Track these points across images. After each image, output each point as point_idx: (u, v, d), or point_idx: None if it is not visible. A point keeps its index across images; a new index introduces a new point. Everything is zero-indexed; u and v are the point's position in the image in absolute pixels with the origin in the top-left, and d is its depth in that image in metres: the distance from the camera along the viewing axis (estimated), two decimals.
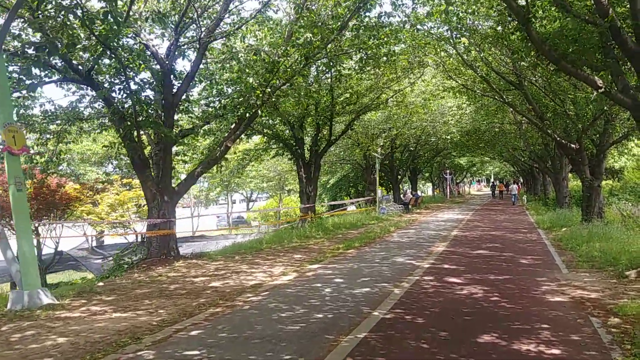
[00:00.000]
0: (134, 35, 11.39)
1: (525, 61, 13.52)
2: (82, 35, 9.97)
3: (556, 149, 22.51)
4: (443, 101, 24.12)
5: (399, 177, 34.53)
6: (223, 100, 13.27)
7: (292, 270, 9.95)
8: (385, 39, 13.45)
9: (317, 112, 18.54)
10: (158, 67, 11.67)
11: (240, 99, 12.34)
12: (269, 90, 11.97)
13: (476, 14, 13.41)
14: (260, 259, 11.63)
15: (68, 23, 8.82)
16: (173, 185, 12.32)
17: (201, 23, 12.08)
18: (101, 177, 22.95)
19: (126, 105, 11.34)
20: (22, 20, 9.83)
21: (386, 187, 37.24)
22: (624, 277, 8.39)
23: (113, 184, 20.39)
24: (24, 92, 10.93)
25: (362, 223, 20.84)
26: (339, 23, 12.18)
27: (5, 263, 7.92)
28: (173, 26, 11.77)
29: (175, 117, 12.99)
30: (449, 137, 28.53)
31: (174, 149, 14.64)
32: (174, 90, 11.94)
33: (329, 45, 12.98)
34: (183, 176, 15.05)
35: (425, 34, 15.13)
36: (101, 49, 10.03)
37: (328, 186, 42.22)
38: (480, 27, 14.74)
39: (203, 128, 14.81)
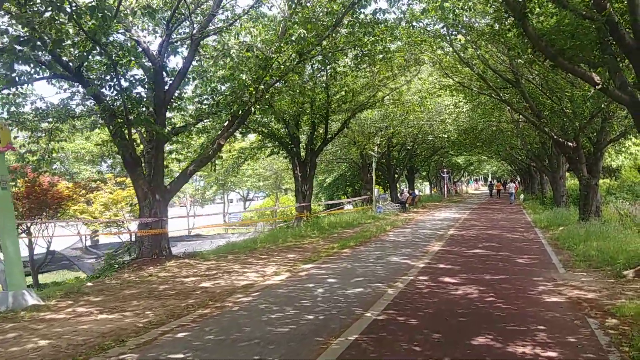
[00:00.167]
0: (124, 31, 11.22)
1: (522, 58, 13.38)
2: (70, 31, 9.78)
3: (553, 147, 22.42)
4: (440, 99, 23.99)
5: (396, 176, 34.39)
6: (216, 98, 13.08)
7: (285, 270, 9.79)
8: (381, 36, 13.32)
9: (313, 110, 18.38)
10: (150, 64, 11.50)
11: (233, 97, 12.18)
12: (262, 87, 11.81)
13: (472, 10, 13.28)
14: (253, 259, 11.47)
15: (56, 18, 8.63)
16: (165, 183, 12.16)
17: (194, 19, 11.91)
18: (94, 176, 22.73)
19: (117, 103, 11.18)
20: (9, 15, 9.62)
21: (383, 186, 37.09)
22: (621, 276, 8.26)
23: (107, 182, 20.19)
24: (13, 89, 10.76)
25: (358, 222, 20.70)
26: (334, 20, 12.03)
27: None
28: (165, 22, 11.59)
29: (168, 114, 12.82)
30: (446, 135, 28.39)
31: (168, 147, 14.49)
32: (166, 88, 11.77)
33: (324, 42, 12.83)
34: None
35: (422, 31, 14.99)
36: (91, 44, 9.85)
37: (325, 185, 42.07)
38: (477, 24, 14.61)
39: (197, 126, 14.65)
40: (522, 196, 38.58)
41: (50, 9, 8.29)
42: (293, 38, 11.60)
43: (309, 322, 6.00)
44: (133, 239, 16.89)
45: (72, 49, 10.67)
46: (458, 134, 28.88)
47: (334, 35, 12.99)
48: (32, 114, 12.10)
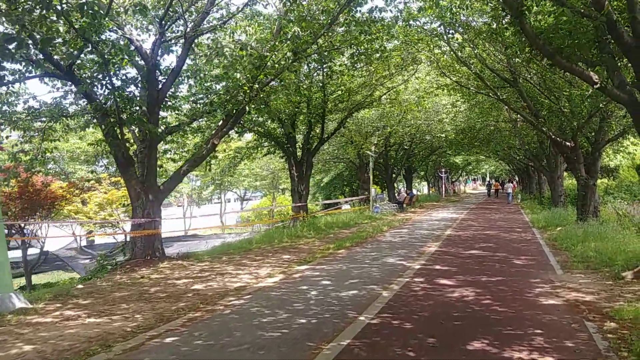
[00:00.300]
0: (117, 28, 11.06)
1: (519, 57, 13.26)
2: (61, 28, 9.63)
3: (551, 147, 22.31)
4: (437, 99, 23.86)
5: (394, 175, 34.24)
6: (210, 97, 12.94)
7: (279, 272, 9.65)
8: (378, 34, 13.19)
9: (309, 109, 18.24)
10: (143, 62, 11.35)
11: (228, 96, 12.04)
12: (257, 86, 11.66)
13: (470, 8, 13.15)
14: (247, 260, 11.32)
15: (46, 16, 8.48)
16: (159, 184, 12.01)
17: (187, 17, 11.76)
18: (87, 176, 22.53)
19: (110, 102, 11.02)
20: None
21: (380, 186, 36.97)
22: (620, 278, 8.14)
23: (101, 182, 20.00)
24: (5, 88, 10.61)
25: (355, 222, 20.58)
26: (330, 18, 11.89)
27: None
28: (158, 20, 11.44)
29: (162, 114, 12.67)
30: (443, 135, 28.28)
31: (163, 147, 14.34)
32: (159, 86, 11.62)
33: (320, 41, 12.69)
34: None
35: (419, 29, 14.86)
36: (82, 42, 9.70)
37: (322, 185, 41.93)
38: (474, 22, 14.48)
39: (191, 125, 14.50)
40: (519, 196, 38.49)
41: (39, 6, 8.15)
42: (288, 36, 11.46)
43: (301, 326, 5.87)
44: (128, 239, 16.75)
45: (63, 48, 10.52)
46: (456, 134, 28.78)
47: (330, 33, 12.86)
48: (24, 113, 11.94)
